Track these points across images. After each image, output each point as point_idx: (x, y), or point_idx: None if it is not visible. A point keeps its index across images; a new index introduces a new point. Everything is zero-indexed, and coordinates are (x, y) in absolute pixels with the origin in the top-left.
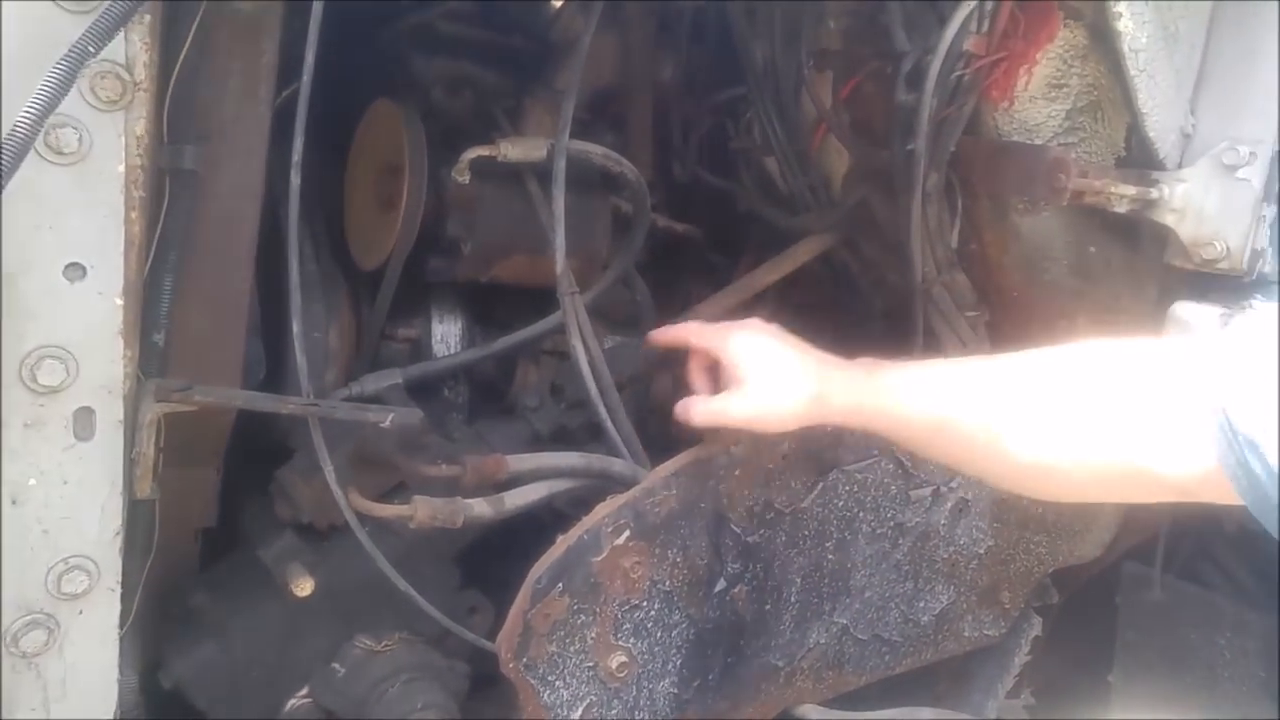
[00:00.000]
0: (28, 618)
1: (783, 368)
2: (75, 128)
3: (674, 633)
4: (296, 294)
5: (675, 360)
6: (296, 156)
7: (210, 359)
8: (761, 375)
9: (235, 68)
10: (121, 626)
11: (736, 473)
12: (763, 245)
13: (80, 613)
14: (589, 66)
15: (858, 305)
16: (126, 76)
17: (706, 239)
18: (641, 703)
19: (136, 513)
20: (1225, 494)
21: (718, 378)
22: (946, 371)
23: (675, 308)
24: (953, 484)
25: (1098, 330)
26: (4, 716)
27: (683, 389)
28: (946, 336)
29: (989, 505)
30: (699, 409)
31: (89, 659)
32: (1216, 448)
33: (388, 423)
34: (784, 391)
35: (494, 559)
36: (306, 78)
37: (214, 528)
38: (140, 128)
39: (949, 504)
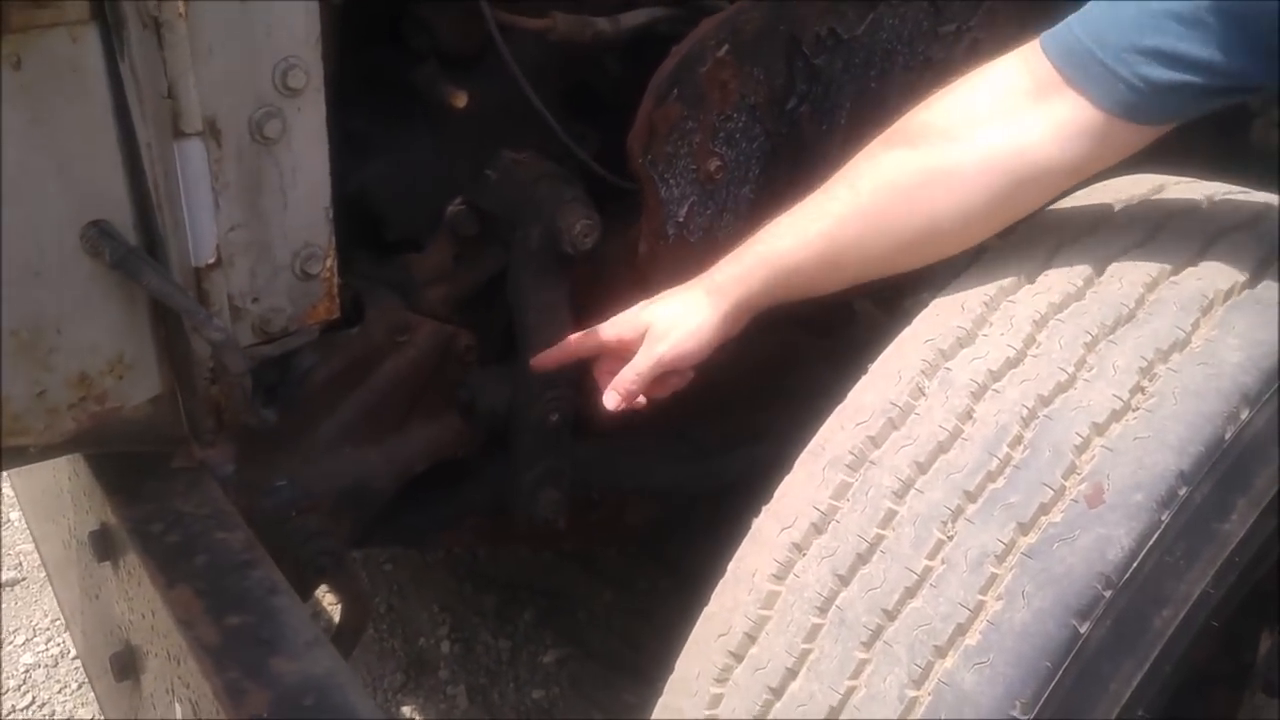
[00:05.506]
0: (264, 109)
1: (672, 298)
2: None
3: (754, 144)
4: None
5: None
6: None
7: None
8: (662, 316)
9: None
10: None
11: None
12: None
13: (299, 110)
14: None
15: None
16: None
17: None
18: (728, 204)
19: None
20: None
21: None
22: (802, 208)
23: None
24: (970, 23)
25: None
26: (254, 196)
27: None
28: None
29: (997, 46)
30: (629, 376)
31: (308, 154)
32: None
33: None
34: (685, 310)
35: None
36: None
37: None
38: None
39: (965, 42)
